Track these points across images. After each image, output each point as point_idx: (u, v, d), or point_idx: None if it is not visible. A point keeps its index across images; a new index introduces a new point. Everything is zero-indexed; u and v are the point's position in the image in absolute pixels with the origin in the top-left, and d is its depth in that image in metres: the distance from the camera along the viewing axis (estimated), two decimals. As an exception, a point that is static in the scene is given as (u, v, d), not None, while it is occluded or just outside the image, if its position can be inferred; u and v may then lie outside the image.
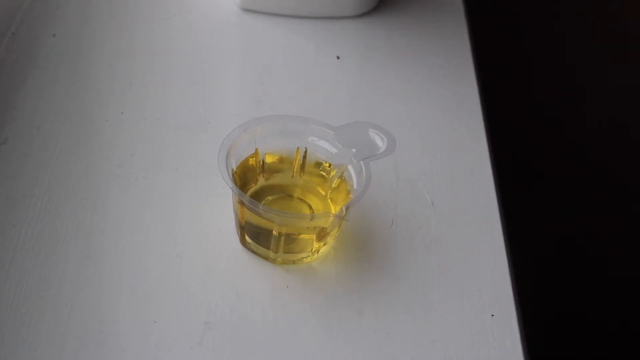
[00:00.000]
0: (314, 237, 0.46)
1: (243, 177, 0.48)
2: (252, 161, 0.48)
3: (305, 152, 0.49)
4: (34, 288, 0.45)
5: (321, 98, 0.60)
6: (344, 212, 0.44)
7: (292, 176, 0.49)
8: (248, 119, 0.48)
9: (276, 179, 0.49)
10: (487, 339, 0.45)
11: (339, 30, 0.66)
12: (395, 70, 0.63)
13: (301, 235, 0.46)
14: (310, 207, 0.49)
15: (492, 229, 0.51)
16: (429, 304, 0.46)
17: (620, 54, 1.10)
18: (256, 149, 0.48)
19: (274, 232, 0.45)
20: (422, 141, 0.57)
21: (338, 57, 0.63)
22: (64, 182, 0.51)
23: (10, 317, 0.43)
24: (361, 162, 0.46)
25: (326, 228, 0.45)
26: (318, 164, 0.49)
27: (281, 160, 0.49)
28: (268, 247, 0.46)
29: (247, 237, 0.47)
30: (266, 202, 0.48)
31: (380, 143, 0.47)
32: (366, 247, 0.49)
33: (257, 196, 0.48)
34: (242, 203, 0.45)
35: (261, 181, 0.49)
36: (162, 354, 0.42)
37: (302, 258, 0.47)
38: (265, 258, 0.47)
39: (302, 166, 0.49)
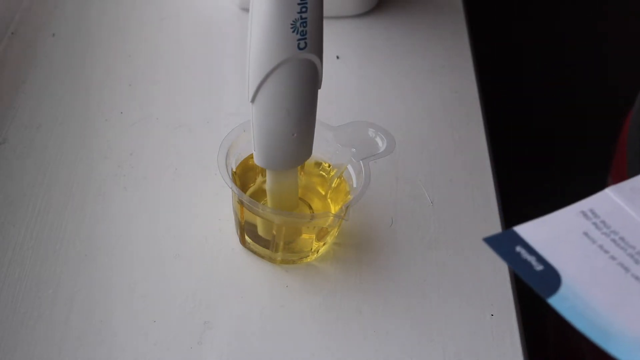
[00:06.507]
0: (314, 237, 0.46)
1: (243, 177, 0.48)
2: (251, 161, 0.48)
3: (305, 151, 0.49)
4: (33, 288, 0.45)
5: (320, 98, 0.60)
6: (344, 211, 0.43)
7: (292, 176, 0.49)
8: (248, 119, 0.48)
9: (276, 179, 0.49)
10: (487, 339, 0.45)
11: (339, 30, 0.66)
12: (395, 70, 0.63)
13: (301, 235, 0.46)
14: (310, 206, 0.49)
15: (492, 229, 0.50)
16: (428, 303, 0.46)
17: (620, 54, 1.10)
18: (256, 149, 0.48)
19: (274, 232, 0.45)
20: (422, 141, 0.57)
21: (338, 57, 0.63)
22: (63, 181, 0.51)
23: (10, 317, 0.43)
24: (361, 161, 0.46)
25: (326, 228, 0.45)
26: (317, 164, 0.49)
27: (281, 160, 0.49)
28: (267, 247, 0.46)
29: (246, 237, 0.47)
30: (266, 202, 0.48)
31: (380, 143, 0.46)
32: (366, 246, 0.49)
33: (257, 196, 0.48)
34: (241, 203, 0.45)
35: (261, 181, 0.49)
36: (162, 354, 0.42)
37: (302, 258, 0.47)
38: (265, 258, 0.47)
39: (302, 166, 0.49)
